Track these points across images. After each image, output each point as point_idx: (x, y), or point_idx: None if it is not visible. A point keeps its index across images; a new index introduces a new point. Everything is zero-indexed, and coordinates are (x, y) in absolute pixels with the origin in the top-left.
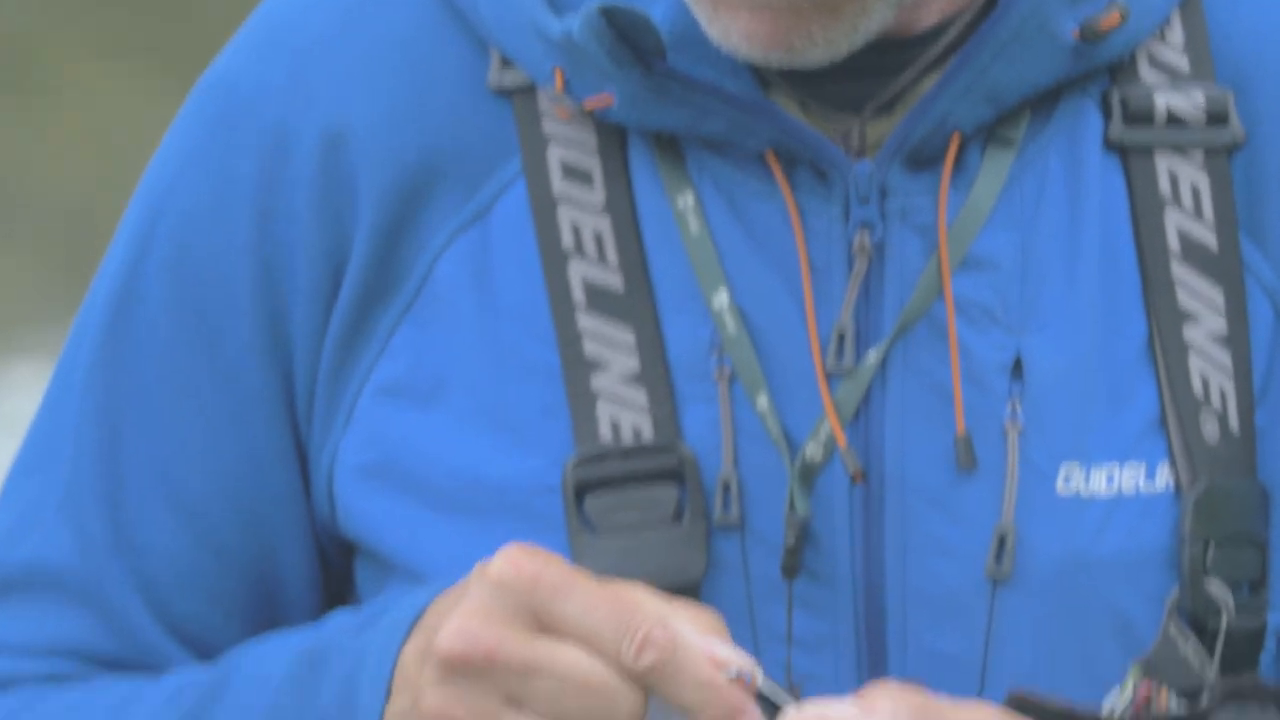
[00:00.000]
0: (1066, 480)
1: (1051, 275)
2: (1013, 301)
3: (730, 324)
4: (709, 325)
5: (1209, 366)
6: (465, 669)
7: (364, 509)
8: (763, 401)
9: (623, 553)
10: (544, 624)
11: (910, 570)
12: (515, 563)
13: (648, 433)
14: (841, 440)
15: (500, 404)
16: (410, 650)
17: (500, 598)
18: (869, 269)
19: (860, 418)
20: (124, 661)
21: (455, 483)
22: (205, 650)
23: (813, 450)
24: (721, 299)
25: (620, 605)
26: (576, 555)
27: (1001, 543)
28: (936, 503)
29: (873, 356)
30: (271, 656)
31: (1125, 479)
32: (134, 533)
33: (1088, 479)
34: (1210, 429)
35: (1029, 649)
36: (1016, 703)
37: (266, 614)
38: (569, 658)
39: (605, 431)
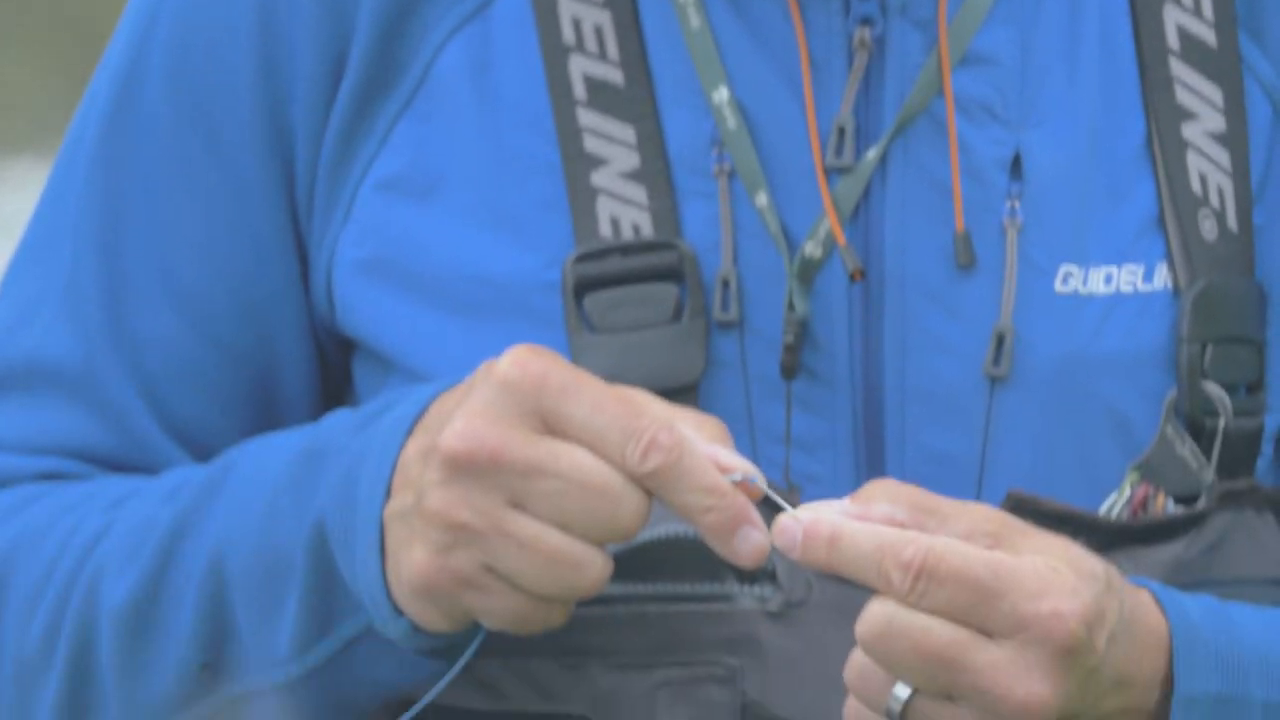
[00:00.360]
0: (1065, 279)
1: (1051, 71)
2: (1012, 98)
3: (730, 119)
4: (709, 121)
5: (1207, 164)
6: (470, 469)
7: (362, 304)
8: (762, 198)
9: (622, 350)
10: (550, 425)
11: (909, 368)
12: (522, 363)
13: (647, 229)
14: (840, 238)
15: (500, 200)
16: (412, 449)
17: (506, 398)
18: (869, 64)
19: (860, 215)
20: (121, 461)
21: (454, 278)
22: (203, 452)
23: (811, 248)
24: (721, 94)
25: (627, 408)
26: (575, 353)
27: (1000, 341)
28: (936, 300)
29: (872, 153)
30: (270, 455)
31: (1123, 279)
32: (134, 325)
33: (1086, 279)
34: (1209, 227)
35: (1027, 449)
36: (1014, 504)
37: (265, 412)
38: (574, 459)
39: (605, 228)
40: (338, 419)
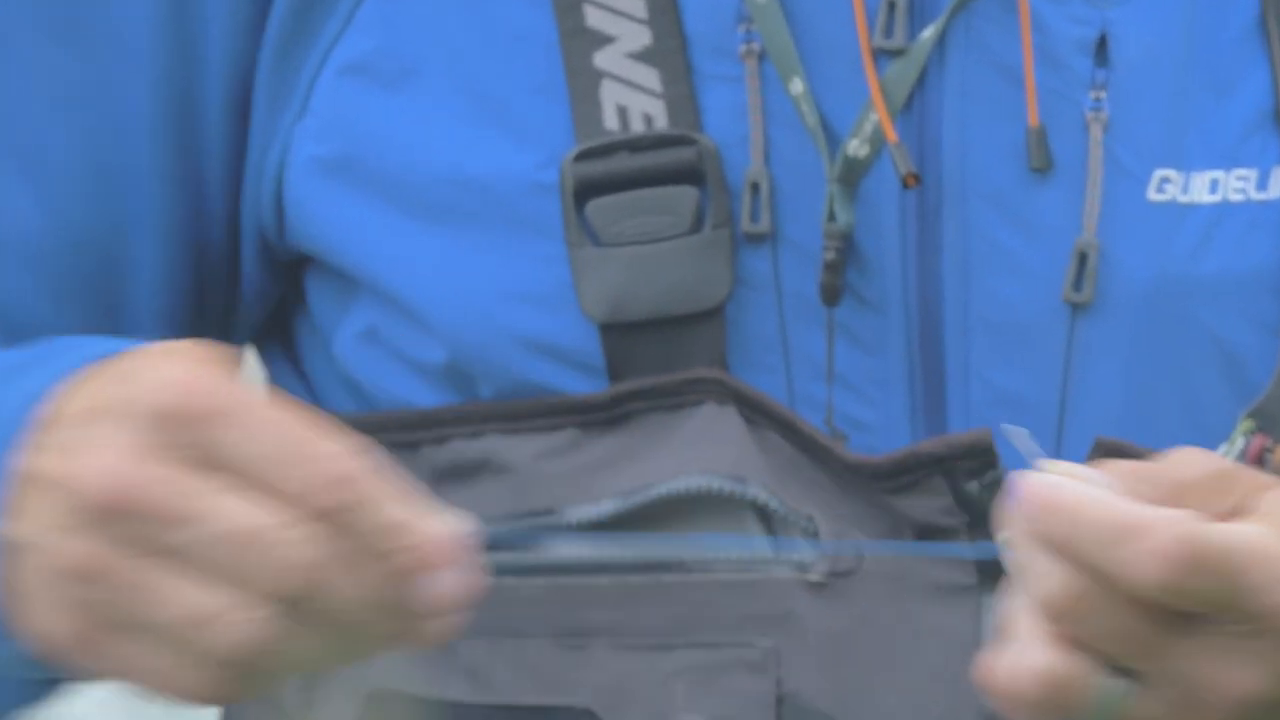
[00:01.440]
0: (1161, 186)
1: None
2: None
3: None
4: None
5: None
6: (110, 517)
7: (323, 212)
8: (797, 85)
9: (630, 266)
10: (211, 461)
11: (973, 293)
12: (178, 387)
13: (661, 120)
14: (891, 134)
15: (486, 86)
16: (35, 465)
17: (156, 429)
18: None
19: (914, 107)
20: None
21: (432, 181)
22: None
23: (856, 146)
24: None
25: (295, 439)
26: (576, 270)
27: (1082, 260)
28: (1004, 210)
29: (929, 32)
30: None
31: (1232, 185)
32: None
33: (1186, 185)
34: None
35: (1116, 388)
36: (1103, 455)
37: (103, 316)
38: (228, 506)
39: (611, 119)
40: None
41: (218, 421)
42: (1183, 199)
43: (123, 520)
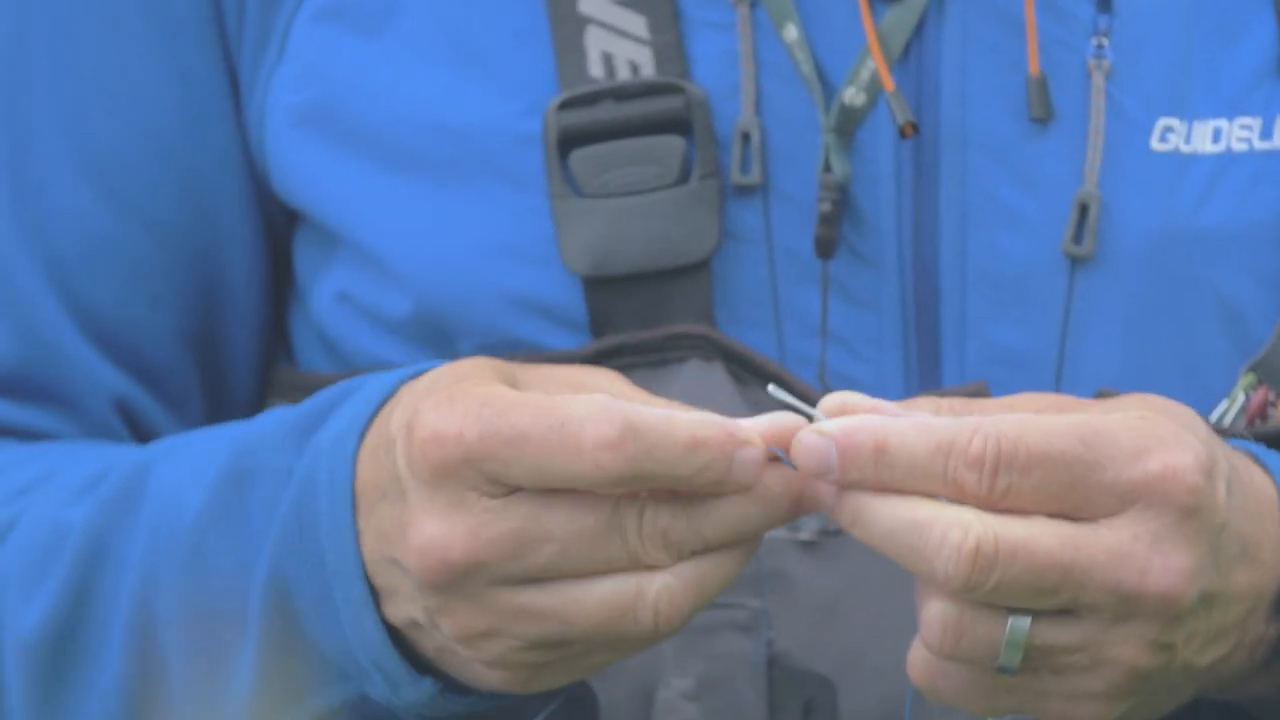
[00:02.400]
0: (1164, 135)
1: None
2: None
3: None
4: None
5: None
6: (453, 585)
7: (300, 163)
8: (791, 32)
9: (614, 219)
10: (503, 481)
11: (971, 245)
12: (438, 438)
13: (648, 68)
14: (888, 82)
15: (466, 32)
16: (369, 474)
17: (444, 484)
18: None
19: (911, 55)
20: (26, 374)
21: (410, 130)
22: (129, 357)
23: (852, 95)
24: None
25: (556, 424)
26: (559, 223)
27: (1083, 212)
28: (1003, 161)
29: None
30: (191, 465)
31: (1235, 135)
32: (41, 200)
33: (1189, 135)
34: None
35: (1116, 343)
36: None
37: (204, 306)
38: (547, 515)
39: (596, 67)
40: (265, 422)
41: (490, 453)
42: (1185, 149)
43: (471, 579)
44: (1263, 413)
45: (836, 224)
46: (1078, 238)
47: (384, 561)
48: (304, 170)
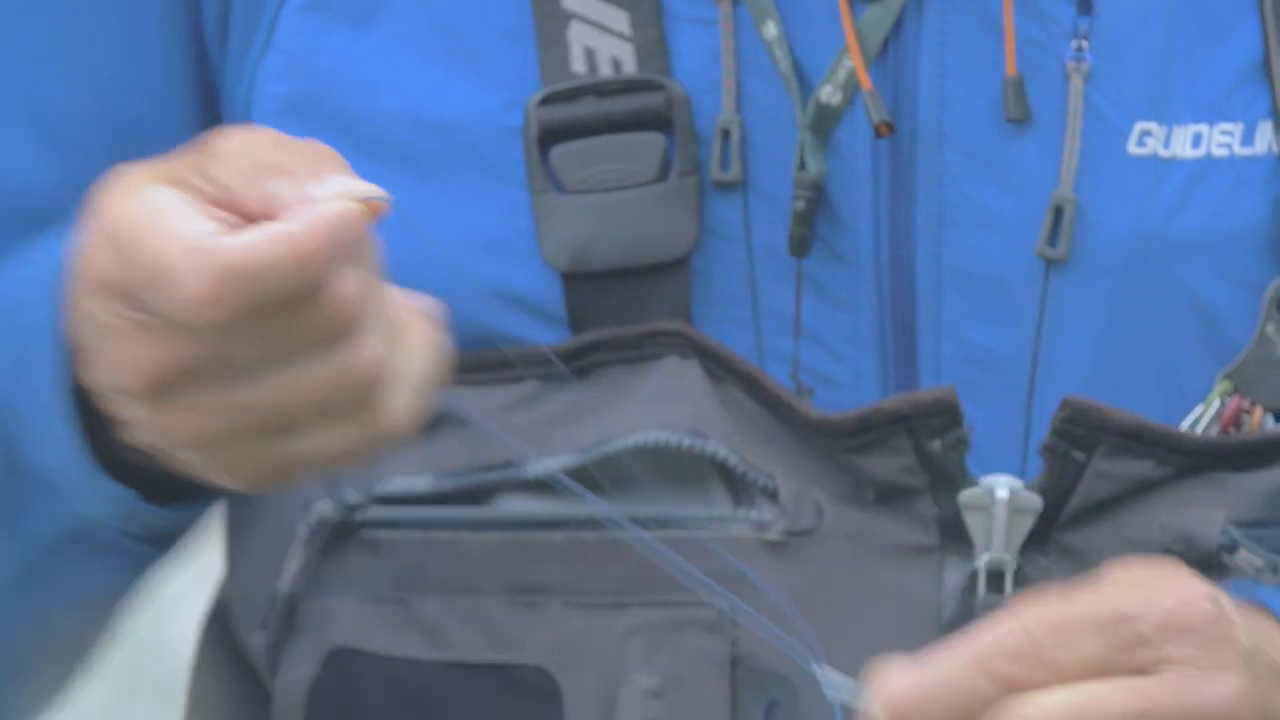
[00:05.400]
0: (1142, 139)
1: None
2: None
3: None
4: None
5: None
6: (155, 392)
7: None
8: (771, 29)
9: (594, 214)
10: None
11: (947, 246)
12: (87, 275)
13: (630, 64)
14: (865, 80)
15: (452, 25)
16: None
17: (118, 310)
18: None
19: (889, 54)
20: None
21: (395, 122)
22: None
23: (829, 93)
24: None
25: (160, 276)
26: (539, 218)
27: (1058, 214)
28: (980, 162)
29: None
30: None
31: (1216, 140)
32: None
33: (1169, 139)
34: None
35: (1090, 347)
36: (1072, 414)
37: None
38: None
39: (578, 62)
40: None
41: (129, 297)
42: (1164, 153)
43: (176, 381)
44: (1237, 420)
45: (811, 222)
46: (1052, 240)
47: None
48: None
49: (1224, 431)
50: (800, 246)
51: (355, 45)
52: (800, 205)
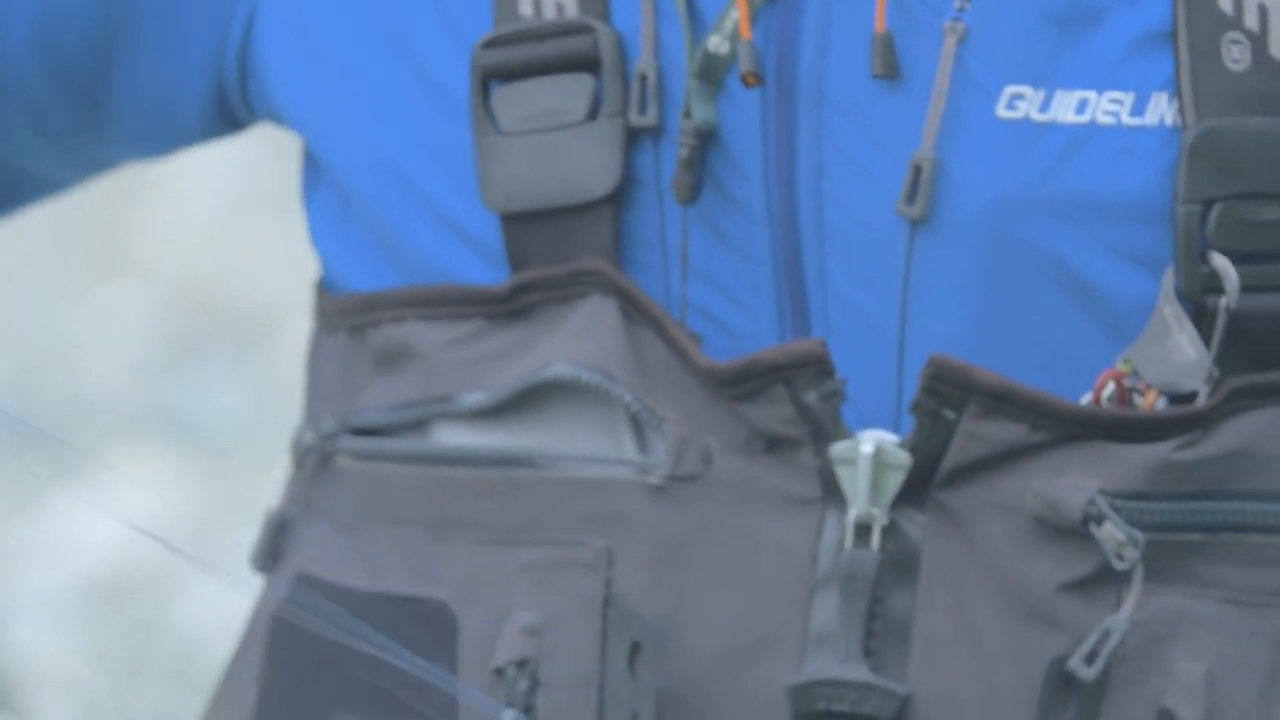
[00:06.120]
0: (1012, 102)
1: None
2: None
3: None
4: None
5: None
6: None
7: (277, 69)
8: None
9: (527, 154)
10: None
11: (826, 200)
12: None
13: (572, 9)
14: (745, 30)
15: None
16: None
17: None
18: None
19: (779, 6)
20: None
21: (367, 57)
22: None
23: (716, 42)
24: None
25: None
26: (481, 158)
27: (918, 174)
28: (854, 117)
29: None
30: None
31: (1103, 108)
32: None
33: (1048, 103)
34: (1236, 54)
35: (957, 309)
36: (936, 373)
37: (87, 101)
38: None
39: (526, 7)
40: None
41: None
42: (1039, 117)
43: None
44: (1129, 399)
45: (695, 169)
46: (911, 198)
47: None
48: (279, 76)
49: (1117, 410)
50: (685, 193)
51: None
52: (684, 152)
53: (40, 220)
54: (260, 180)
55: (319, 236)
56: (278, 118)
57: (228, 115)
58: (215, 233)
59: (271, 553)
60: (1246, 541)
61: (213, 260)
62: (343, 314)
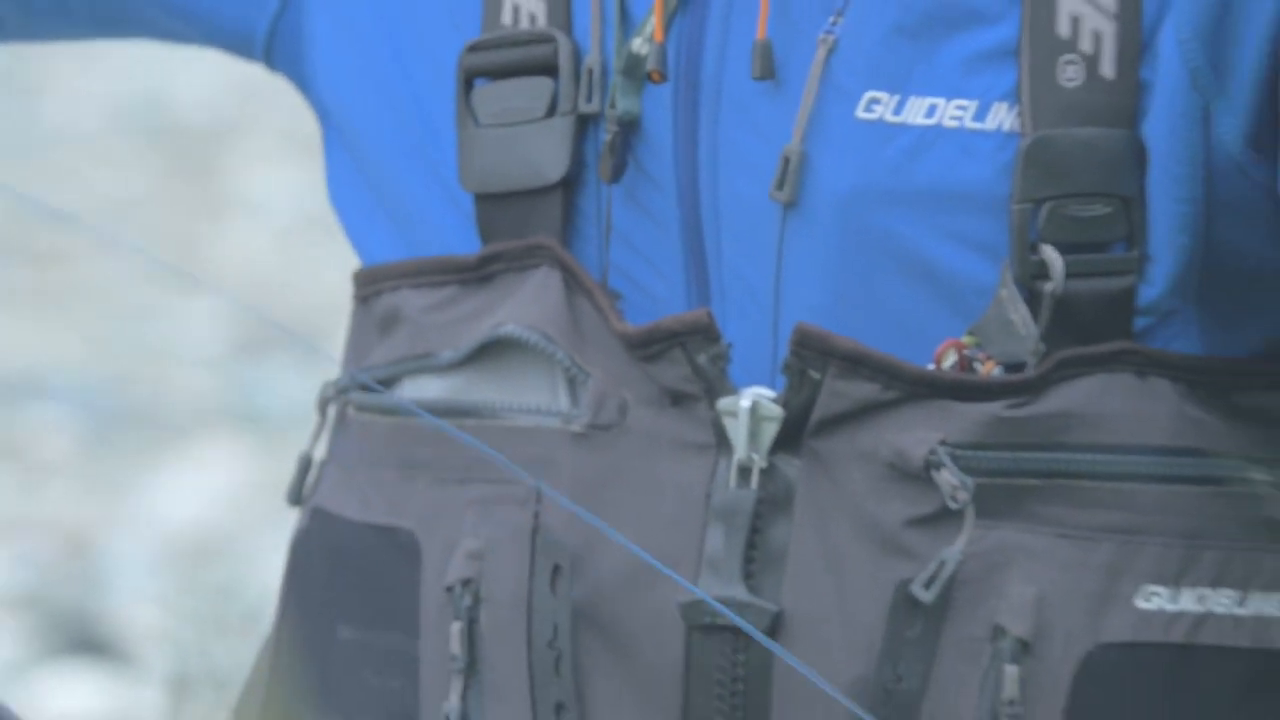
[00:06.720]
0: (870, 106)
1: None
2: None
3: None
4: None
5: (1085, 6)
6: None
7: (312, 38)
8: None
9: (497, 145)
10: None
11: (720, 182)
12: None
13: (542, 20)
14: (659, 34)
15: None
16: None
17: None
18: None
19: (691, 11)
20: None
21: (385, 37)
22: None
23: (639, 44)
24: None
25: None
26: (462, 147)
27: (786, 164)
28: (742, 112)
29: None
30: None
31: (948, 113)
32: None
33: (901, 107)
34: (1071, 73)
35: (819, 285)
36: (800, 339)
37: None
38: None
39: (507, 16)
40: None
41: None
42: (892, 119)
43: None
44: (970, 368)
45: (619, 151)
46: (780, 185)
47: None
48: (313, 45)
49: (958, 376)
50: (608, 172)
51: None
52: (609, 137)
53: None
54: (316, 201)
55: (334, 188)
56: (304, 83)
57: (239, 46)
58: (279, 247)
59: (300, 490)
60: (1077, 486)
61: (277, 271)
62: (358, 287)
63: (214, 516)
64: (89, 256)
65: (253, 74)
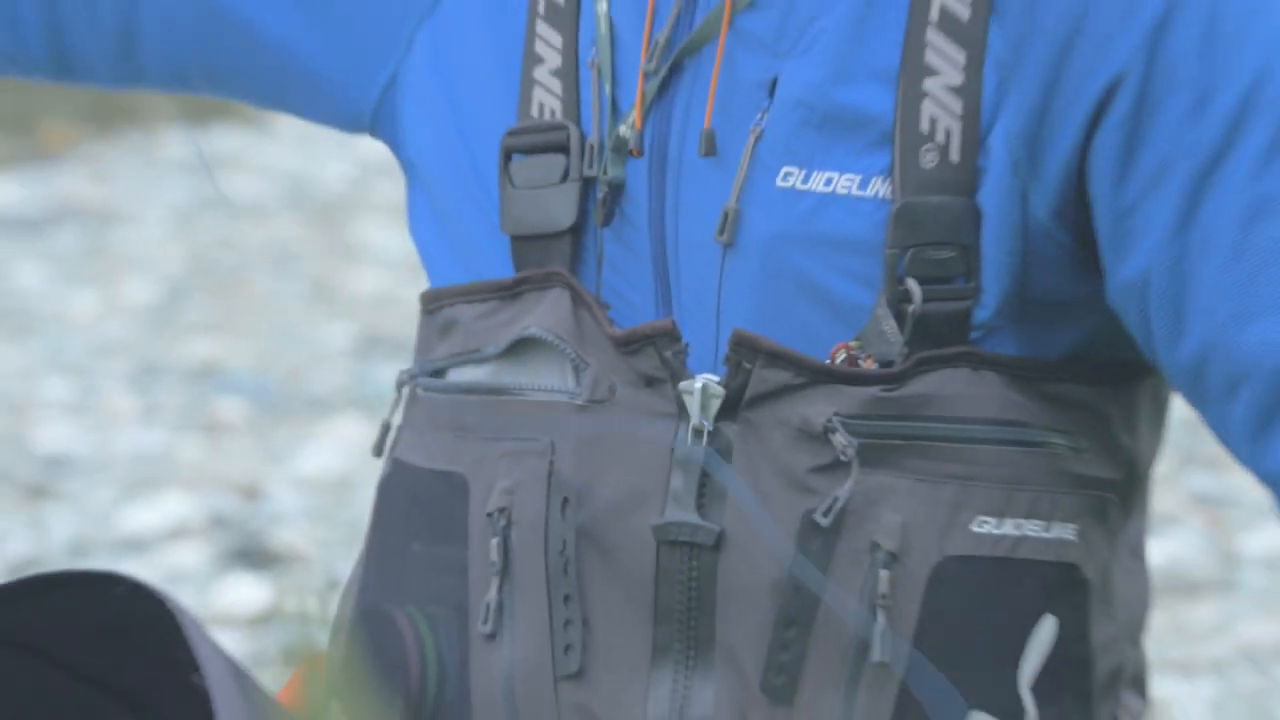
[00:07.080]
0: (785, 177)
1: (823, 16)
2: (785, 34)
3: (603, 26)
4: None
5: (940, 111)
6: None
7: (406, 111)
8: (608, 87)
9: (528, 203)
10: None
11: (680, 228)
12: None
13: (559, 113)
14: (638, 122)
15: (487, 75)
16: None
17: None
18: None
19: (665, 107)
20: None
21: (453, 111)
22: (65, 56)
23: (625, 130)
24: (601, 6)
25: None
26: (503, 201)
27: (725, 217)
28: (696, 178)
29: (668, 64)
30: None
31: (841, 184)
32: None
33: (807, 178)
34: (929, 159)
35: (748, 302)
36: (737, 340)
37: (124, 57)
38: None
39: (535, 110)
40: None
41: None
42: (801, 186)
43: None
44: (855, 362)
45: (610, 204)
46: (722, 231)
47: None
48: (407, 118)
49: (848, 369)
50: (603, 220)
51: (445, 69)
52: (602, 195)
53: (289, 279)
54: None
55: (414, 225)
56: (396, 145)
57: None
58: (392, 278)
59: (383, 446)
60: (930, 446)
61: (390, 294)
62: (424, 304)
63: (344, 468)
64: (261, 284)
65: (371, 159)
